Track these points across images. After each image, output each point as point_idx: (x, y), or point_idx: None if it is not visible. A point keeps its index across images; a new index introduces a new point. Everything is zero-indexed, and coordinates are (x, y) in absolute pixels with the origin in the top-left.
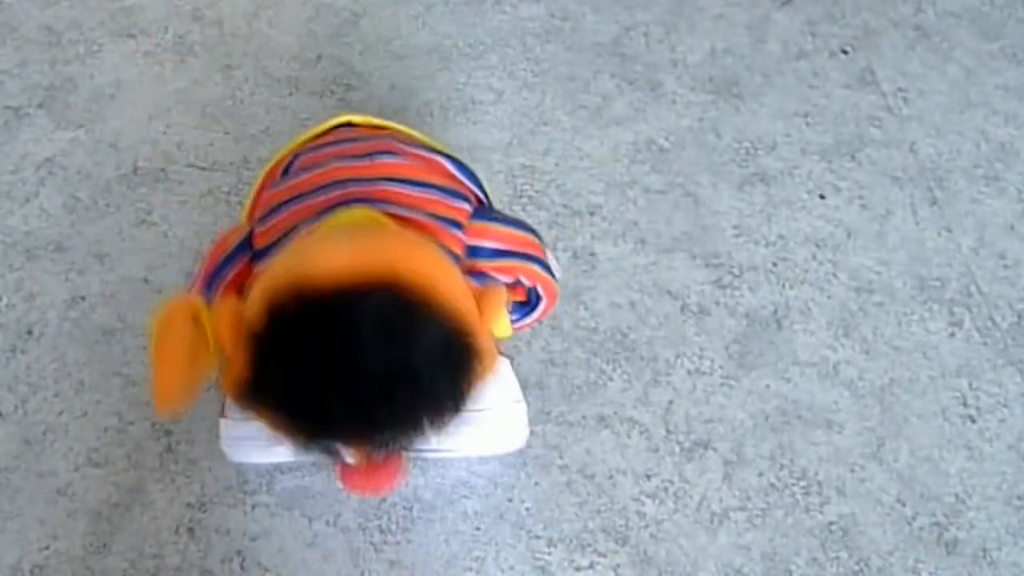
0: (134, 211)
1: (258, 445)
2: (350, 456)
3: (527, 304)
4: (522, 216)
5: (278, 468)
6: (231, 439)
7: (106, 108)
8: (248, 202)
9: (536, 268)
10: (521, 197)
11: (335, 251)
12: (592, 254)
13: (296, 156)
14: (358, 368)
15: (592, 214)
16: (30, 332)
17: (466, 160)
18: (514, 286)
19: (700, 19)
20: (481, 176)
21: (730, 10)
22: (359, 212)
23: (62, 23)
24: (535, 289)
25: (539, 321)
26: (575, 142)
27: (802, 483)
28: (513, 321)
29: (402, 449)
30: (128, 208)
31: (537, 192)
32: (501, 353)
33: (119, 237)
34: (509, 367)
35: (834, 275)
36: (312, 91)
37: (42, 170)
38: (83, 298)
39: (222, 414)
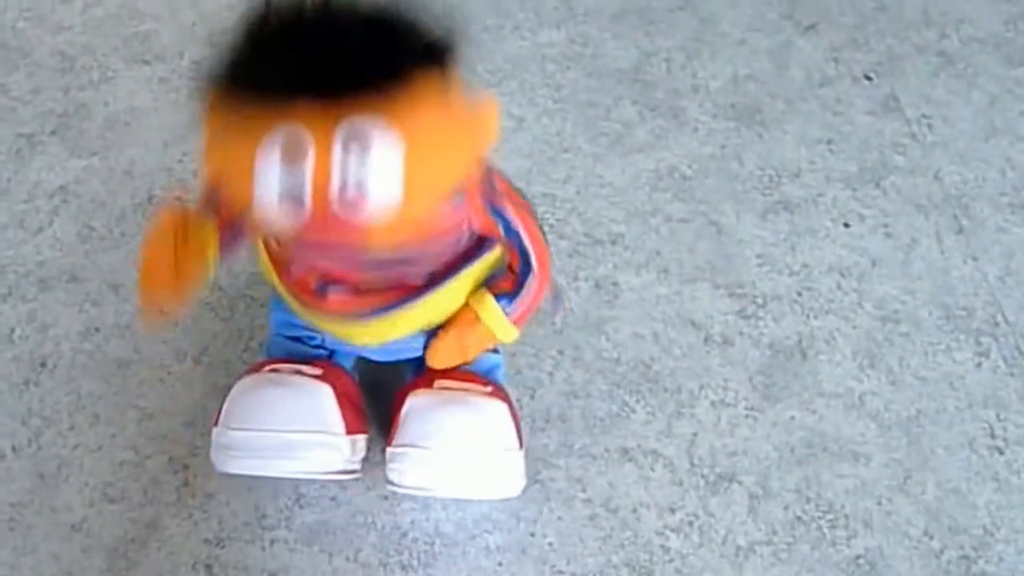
0: None
1: (251, 455)
2: (310, 161)
3: (515, 288)
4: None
5: (297, 502)
6: (223, 448)
7: (121, 135)
8: None
9: (537, 228)
10: (542, 226)
11: None
12: (614, 284)
13: None
14: (318, 20)
15: (614, 243)
16: (44, 364)
17: None
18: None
19: (722, 45)
20: None
21: (752, 36)
22: None
23: (75, 49)
24: (527, 253)
25: (535, 306)
26: (596, 170)
27: (828, 516)
28: (507, 313)
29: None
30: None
31: (558, 220)
32: (501, 396)
33: (134, 267)
34: (507, 412)
35: (859, 304)
36: None
37: (55, 199)
38: (97, 329)
39: (216, 422)
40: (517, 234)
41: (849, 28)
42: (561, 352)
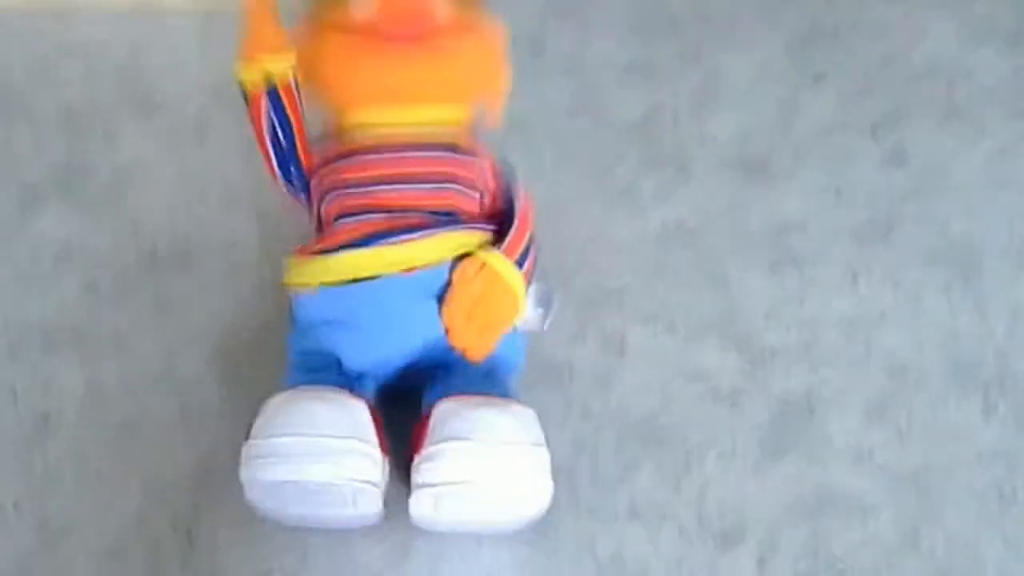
0: (154, 297)
1: (283, 460)
2: None
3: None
4: (552, 298)
5: (303, 561)
6: (254, 459)
7: (125, 190)
8: None
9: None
10: (549, 280)
11: None
12: (622, 338)
13: None
14: None
15: (621, 297)
16: (47, 422)
17: None
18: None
19: (729, 95)
20: None
21: (760, 86)
22: None
23: (79, 102)
24: (514, 198)
25: (523, 241)
26: (603, 224)
27: (839, 566)
28: (503, 246)
29: None
30: (148, 294)
31: (565, 275)
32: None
33: (139, 324)
34: (534, 415)
35: (867, 358)
36: None
37: (59, 255)
38: (101, 389)
39: (246, 437)
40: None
41: (856, 79)
42: (569, 406)
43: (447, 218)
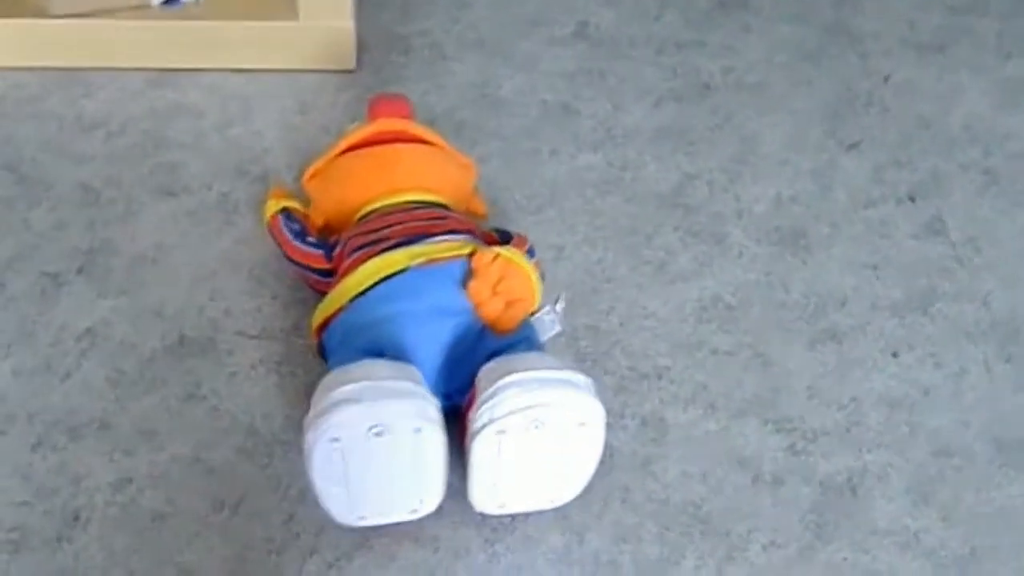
0: (181, 385)
1: (345, 405)
2: None
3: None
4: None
5: None
6: (317, 416)
7: (148, 273)
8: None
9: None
10: (584, 360)
11: None
12: (661, 420)
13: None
14: None
15: (660, 377)
16: (76, 518)
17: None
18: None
19: (764, 165)
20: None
21: (795, 156)
22: None
23: (99, 180)
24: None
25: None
26: (639, 300)
27: None
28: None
29: None
30: (175, 381)
31: (602, 355)
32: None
33: (167, 413)
34: (592, 387)
35: (910, 438)
36: None
37: (83, 341)
38: (130, 480)
39: (308, 413)
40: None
41: (892, 146)
42: (609, 493)
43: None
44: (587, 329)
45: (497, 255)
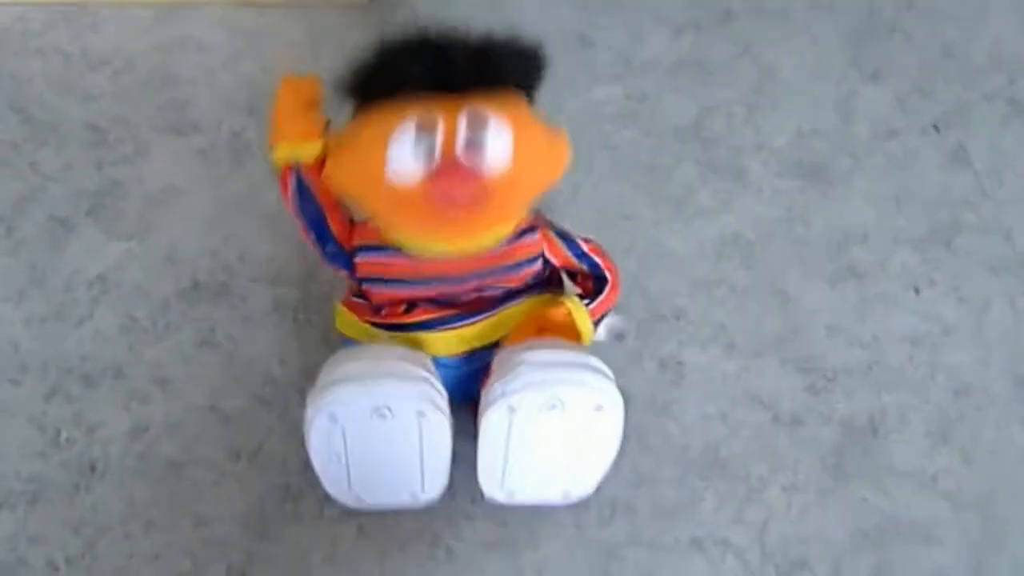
0: (195, 331)
1: (352, 382)
2: (438, 136)
3: (590, 296)
4: (605, 321)
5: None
6: (321, 391)
7: (159, 216)
8: None
9: (603, 251)
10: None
11: None
12: (679, 362)
13: None
14: (441, 36)
15: (678, 318)
16: (93, 469)
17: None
18: (580, 278)
19: (784, 96)
20: None
21: (816, 86)
22: None
23: (106, 120)
24: (599, 268)
25: (609, 307)
26: (658, 238)
27: None
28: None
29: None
30: (189, 328)
31: (621, 297)
32: None
33: (181, 360)
34: (611, 373)
35: (931, 377)
36: None
37: (95, 288)
38: (147, 429)
39: (312, 386)
40: (588, 257)
41: (915, 75)
42: (627, 438)
43: (503, 296)
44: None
45: (567, 312)
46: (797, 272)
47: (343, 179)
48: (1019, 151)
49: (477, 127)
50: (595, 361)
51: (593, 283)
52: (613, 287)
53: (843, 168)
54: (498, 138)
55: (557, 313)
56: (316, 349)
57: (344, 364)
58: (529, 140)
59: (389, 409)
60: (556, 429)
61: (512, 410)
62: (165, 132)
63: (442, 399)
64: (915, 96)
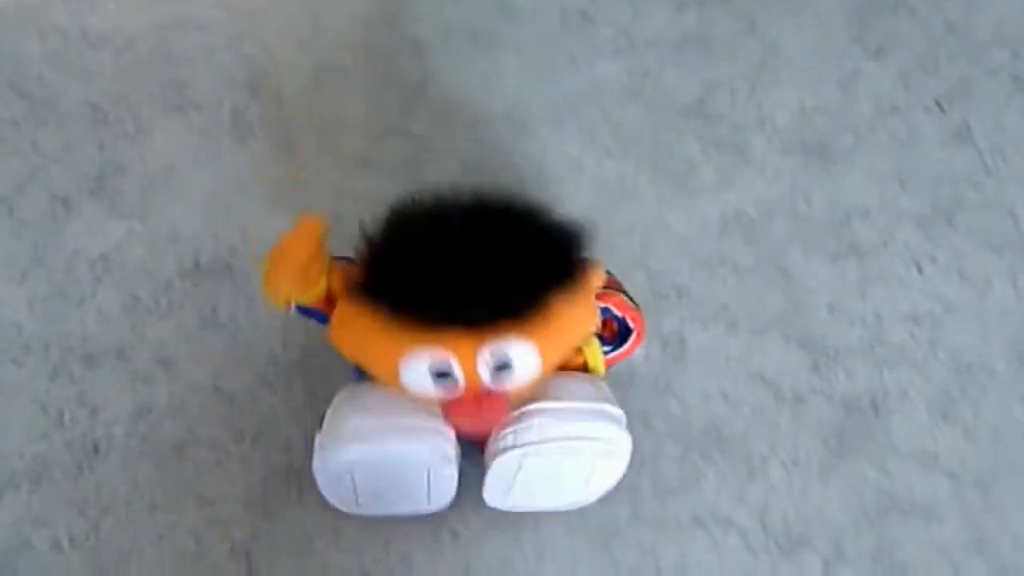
0: (198, 311)
1: (363, 440)
2: (459, 375)
3: (615, 340)
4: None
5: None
6: (331, 441)
7: (161, 195)
8: None
9: (625, 299)
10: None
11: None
12: (681, 341)
13: None
14: (468, 246)
15: (680, 296)
16: (96, 450)
17: None
18: (605, 322)
19: (787, 72)
20: None
21: (819, 62)
22: None
23: (107, 99)
24: (624, 320)
25: (628, 355)
26: (660, 216)
27: None
28: (605, 353)
29: (510, 370)
30: (192, 308)
31: (622, 274)
32: None
33: (184, 340)
34: (603, 382)
35: (933, 355)
36: (381, 169)
37: (97, 267)
38: (150, 410)
39: (319, 428)
40: (609, 310)
41: (919, 51)
42: (629, 417)
43: None
44: (607, 248)
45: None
46: (799, 250)
47: (352, 357)
48: (1023, 128)
49: (501, 360)
50: (609, 407)
51: (618, 329)
52: (638, 337)
53: (845, 145)
54: (523, 362)
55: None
56: (318, 329)
57: (352, 419)
58: (557, 346)
59: (399, 465)
60: (565, 469)
61: (524, 456)
62: (166, 111)
63: (453, 448)
64: (918, 72)
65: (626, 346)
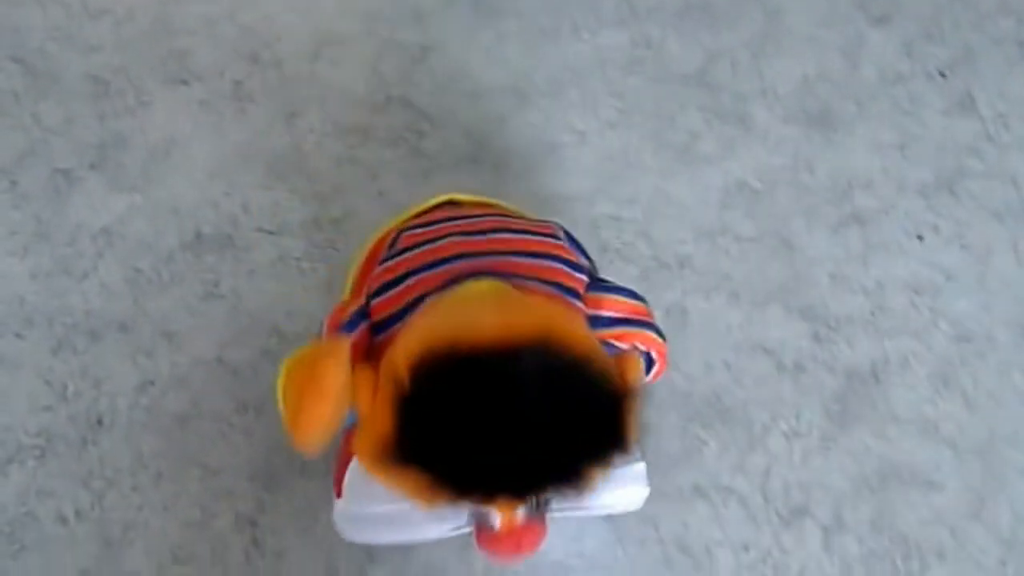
0: (200, 283)
1: (377, 528)
2: (496, 517)
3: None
4: (610, 271)
5: (369, 558)
6: (349, 520)
7: (162, 167)
8: (350, 280)
9: (650, 334)
10: (607, 251)
11: (483, 313)
12: (683, 311)
13: (400, 233)
14: (517, 420)
15: (682, 266)
16: (100, 422)
17: (566, 226)
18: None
19: (790, 41)
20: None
21: (822, 30)
22: (488, 283)
23: (108, 71)
24: (649, 354)
25: (651, 382)
26: (662, 186)
27: (902, 549)
28: None
29: (552, 505)
30: (194, 280)
31: (624, 244)
32: None
33: (186, 313)
34: (645, 472)
35: (934, 324)
36: (382, 140)
37: (99, 240)
38: (153, 383)
39: (337, 494)
40: (636, 347)
41: (923, 19)
42: None
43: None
44: (609, 219)
45: None
46: (801, 220)
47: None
48: None
49: (540, 505)
50: (639, 468)
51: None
52: (661, 367)
53: (848, 114)
54: (562, 505)
55: None
56: (322, 299)
57: (376, 503)
58: (601, 479)
59: (417, 537)
60: (578, 514)
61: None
62: (167, 83)
63: (466, 524)
64: (922, 41)
65: (647, 376)
